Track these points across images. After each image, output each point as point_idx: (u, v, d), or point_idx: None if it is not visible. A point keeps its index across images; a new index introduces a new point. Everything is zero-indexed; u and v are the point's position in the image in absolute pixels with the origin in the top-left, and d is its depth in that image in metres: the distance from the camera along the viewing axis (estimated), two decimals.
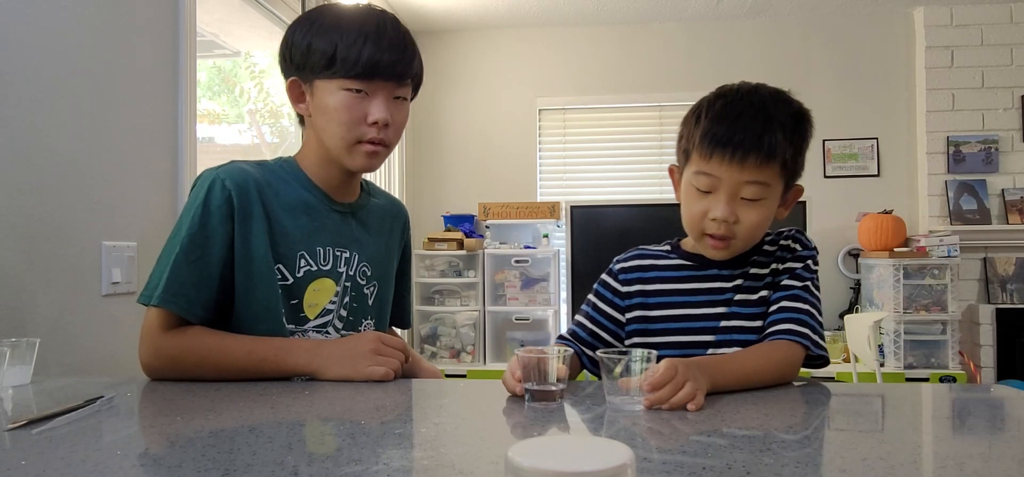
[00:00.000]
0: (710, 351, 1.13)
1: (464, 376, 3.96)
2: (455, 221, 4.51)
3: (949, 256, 4.00)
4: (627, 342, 1.20)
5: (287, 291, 1.18)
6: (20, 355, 1.09)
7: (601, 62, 4.67)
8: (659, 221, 3.79)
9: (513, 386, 0.96)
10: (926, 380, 3.88)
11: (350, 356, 1.11)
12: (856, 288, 4.44)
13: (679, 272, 1.18)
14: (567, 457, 0.45)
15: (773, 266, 1.15)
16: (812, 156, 4.94)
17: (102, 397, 0.94)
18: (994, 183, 4.32)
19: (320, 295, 1.22)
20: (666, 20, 4.60)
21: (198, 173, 1.18)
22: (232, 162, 1.20)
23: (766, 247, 1.17)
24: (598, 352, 0.95)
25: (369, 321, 1.30)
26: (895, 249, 4.12)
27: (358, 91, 1.15)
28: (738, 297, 1.14)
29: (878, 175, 4.53)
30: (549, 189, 4.74)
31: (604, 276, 1.24)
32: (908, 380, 3.90)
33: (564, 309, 4.31)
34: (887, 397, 1.09)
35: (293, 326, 1.19)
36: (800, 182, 1.16)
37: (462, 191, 4.72)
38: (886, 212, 4.25)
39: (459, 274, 4.38)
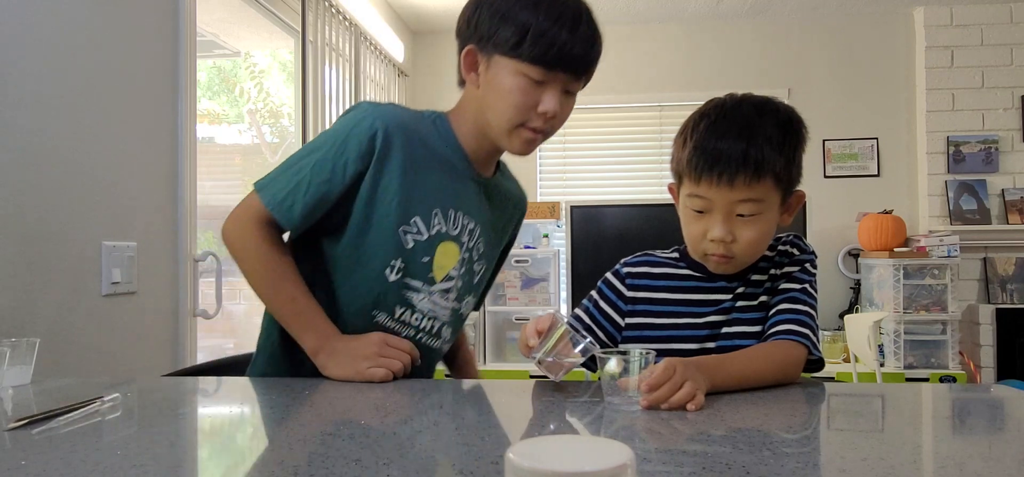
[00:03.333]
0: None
1: None
2: None
3: (949, 256, 4.00)
4: (623, 345, 1.19)
5: (419, 247, 1.17)
6: (20, 355, 1.09)
7: (601, 62, 4.65)
8: (659, 221, 3.78)
9: (530, 336, 0.98)
10: (926, 380, 3.88)
11: (352, 356, 1.11)
12: (856, 288, 4.44)
13: (686, 282, 1.18)
14: (567, 457, 0.45)
15: (772, 272, 1.15)
16: (812, 156, 4.90)
17: (102, 397, 0.94)
18: (994, 183, 4.32)
19: (447, 258, 1.21)
20: (666, 20, 4.60)
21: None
22: (390, 104, 1.21)
23: (766, 253, 1.17)
24: (596, 351, 0.95)
25: (470, 298, 1.30)
26: (895, 249, 4.12)
27: (537, 80, 1.12)
28: (739, 303, 1.14)
29: (878, 175, 4.53)
30: (549, 189, 4.73)
31: (609, 276, 1.24)
32: (908, 380, 3.90)
33: (564, 309, 4.31)
34: (887, 397, 1.09)
35: (420, 283, 1.19)
36: (801, 186, 1.15)
37: None
38: (886, 212, 4.25)
39: None
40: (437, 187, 1.19)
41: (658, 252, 1.24)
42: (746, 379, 1.01)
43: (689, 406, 0.88)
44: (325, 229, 1.18)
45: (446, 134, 1.22)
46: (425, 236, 1.17)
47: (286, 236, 1.20)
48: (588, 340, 0.99)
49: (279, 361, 1.23)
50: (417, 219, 1.16)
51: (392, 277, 1.16)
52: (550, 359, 0.97)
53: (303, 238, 1.19)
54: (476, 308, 1.41)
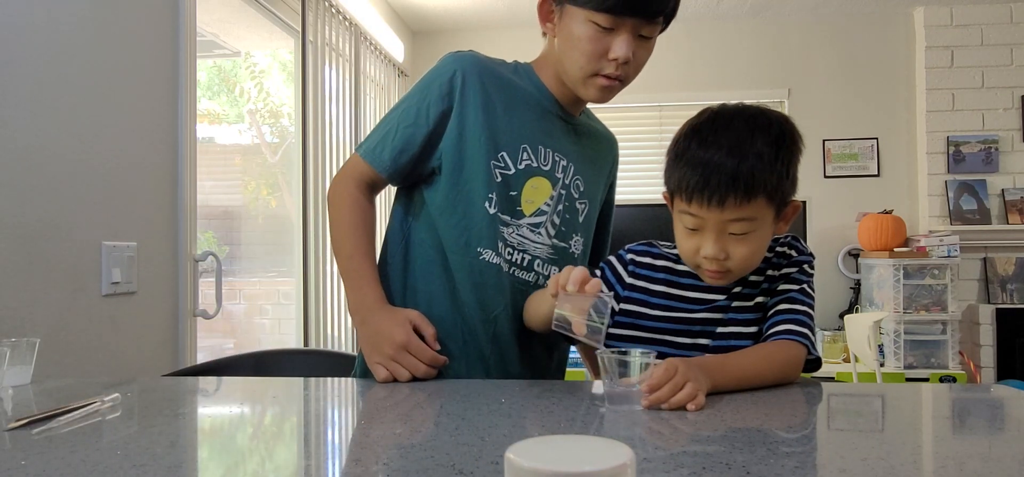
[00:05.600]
0: (706, 356, 1.12)
1: None
2: None
3: (949, 256, 4.00)
4: (617, 331, 1.19)
5: (506, 181, 1.20)
6: (20, 355, 1.09)
7: None
8: (659, 221, 3.76)
9: (572, 283, 0.94)
10: (926, 380, 3.88)
11: (371, 341, 1.14)
12: (856, 288, 4.44)
13: (683, 279, 1.18)
14: (567, 457, 0.45)
15: (769, 272, 1.15)
16: (812, 156, 4.90)
17: (102, 397, 0.94)
18: (994, 183, 4.32)
19: (537, 193, 1.23)
20: None
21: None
22: (472, 51, 1.25)
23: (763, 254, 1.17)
24: (598, 352, 0.95)
25: (578, 237, 1.29)
26: (895, 249, 4.12)
27: (606, 27, 1.13)
28: (735, 303, 1.14)
29: (878, 175, 4.53)
30: None
31: (612, 259, 1.23)
32: (908, 380, 3.90)
33: None
34: (887, 397, 1.09)
35: (508, 217, 1.21)
36: (801, 186, 1.13)
37: None
38: (886, 212, 4.25)
39: None
40: (523, 124, 1.22)
41: (662, 244, 1.24)
42: (747, 379, 1.01)
43: (689, 406, 0.88)
44: (423, 178, 1.24)
45: (531, 77, 1.26)
46: (512, 170, 1.21)
47: (393, 193, 1.31)
48: (603, 331, 0.96)
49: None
50: (504, 154, 1.20)
51: (491, 210, 1.20)
52: (564, 314, 0.95)
53: (408, 193, 1.27)
54: (599, 256, 1.42)
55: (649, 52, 1.21)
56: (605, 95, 1.20)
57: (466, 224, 1.20)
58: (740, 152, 1.02)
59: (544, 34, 1.27)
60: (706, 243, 1.06)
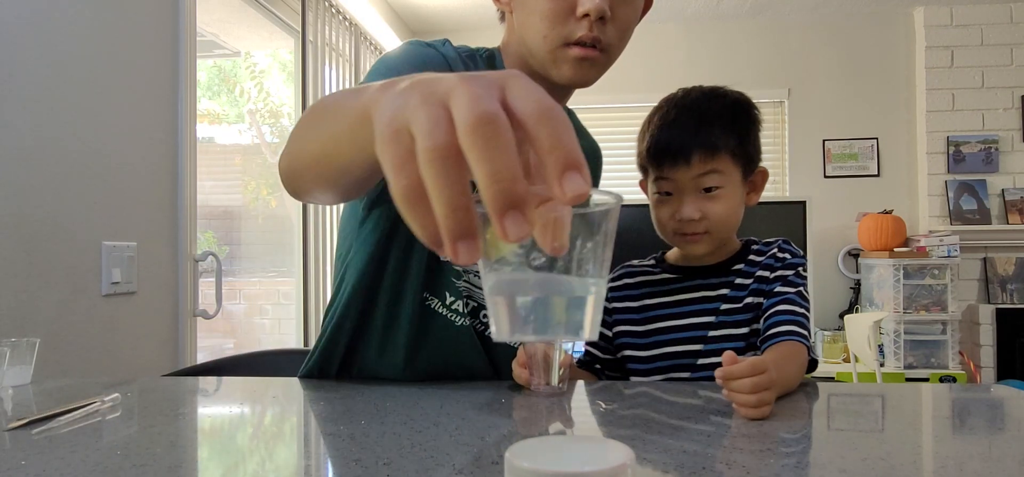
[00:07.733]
0: (700, 361, 1.13)
1: None
2: None
3: (949, 256, 4.00)
4: (621, 354, 1.20)
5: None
6: (20, 355, 1.09)
7: None
8: None
9: (519, 374, 1.00)
10: (926, 380, 3.88)
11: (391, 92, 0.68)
12: (856, 288, 4.44)
13: (666, 285, 1.19)
14: (567, 457, 0.45)
15: (759, 273, 1.16)
16: (812, 156, 4.88)
17: (102, 397, 0.94)
18: (994, 183, 4.32)
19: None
20: (666, 20, 4.60)
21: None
22: (446, 41, 1.02)
23: (751, 256, 1.18)
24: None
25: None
26: (895, 249, 4.12)
27: None
28: (724, 306, 1.15)
29: (878, 175, 4.53)
30: None
31: None
32: (908, 380, 3.90)
33: None
34: (887, 397, 1.09)
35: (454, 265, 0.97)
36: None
37: None
38: (886, 212, 4.25)
39: None
40: None
41: (635, 262, 1.26)
42: (790, 386, 0.98)
43: (747, 412, 0.82)
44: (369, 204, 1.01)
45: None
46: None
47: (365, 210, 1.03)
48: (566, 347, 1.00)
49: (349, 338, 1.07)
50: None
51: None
52: (543, 383, 0.99)
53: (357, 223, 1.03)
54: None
55: (634, 9, 0.99)
56: (583, 70, 0.96)
57: (406, 266, 0.99)
58: (700, 116, 1.11)
59: (501, 19, 1.06)
60: (682, 204, 1.12)
